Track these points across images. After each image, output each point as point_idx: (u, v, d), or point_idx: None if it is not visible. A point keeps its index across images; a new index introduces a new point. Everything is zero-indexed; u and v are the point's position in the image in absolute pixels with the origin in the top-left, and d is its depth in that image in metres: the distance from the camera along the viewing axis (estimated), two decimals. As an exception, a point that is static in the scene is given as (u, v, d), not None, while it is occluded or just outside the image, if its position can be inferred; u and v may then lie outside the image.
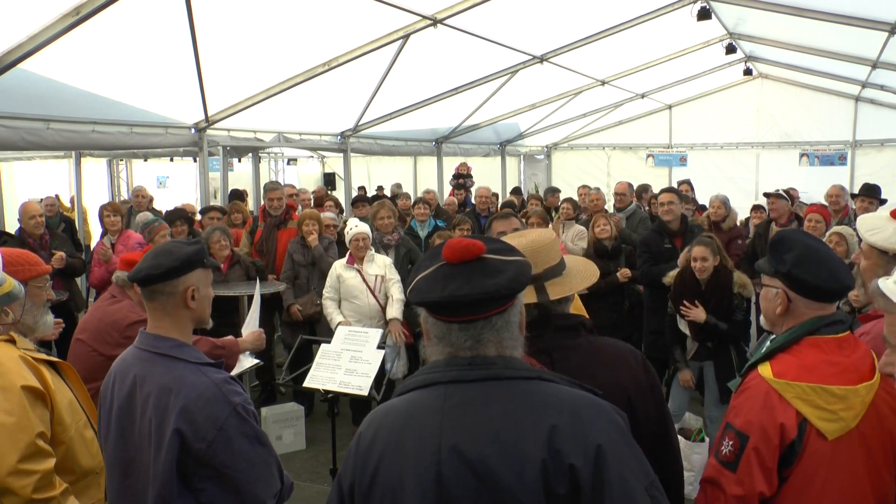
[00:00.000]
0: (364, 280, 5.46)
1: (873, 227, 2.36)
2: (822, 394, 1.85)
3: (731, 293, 4.74)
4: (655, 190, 10.26)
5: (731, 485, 1.87)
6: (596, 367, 1.85)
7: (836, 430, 1.86)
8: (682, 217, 6.00)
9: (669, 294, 5.00)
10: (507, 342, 1.47)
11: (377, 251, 6.09)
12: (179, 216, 6.35)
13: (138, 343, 2.20)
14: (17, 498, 2.22)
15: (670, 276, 5.07)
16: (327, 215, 7.05)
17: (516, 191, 12.36)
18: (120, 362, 2.22)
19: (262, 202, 7.17)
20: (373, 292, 5.47)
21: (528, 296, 1.87)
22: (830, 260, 1.98)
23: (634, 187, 8.94)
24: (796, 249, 1.96)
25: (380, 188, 14.33)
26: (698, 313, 4.69)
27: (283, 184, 10.16)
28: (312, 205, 9.56)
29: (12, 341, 2.40)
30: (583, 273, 2.02)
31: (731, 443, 1.90)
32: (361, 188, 15.15)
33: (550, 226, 7.92)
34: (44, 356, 2.47)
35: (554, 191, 10.94)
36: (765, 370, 1.93)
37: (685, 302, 4.74)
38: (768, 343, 4.27)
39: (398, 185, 13.22)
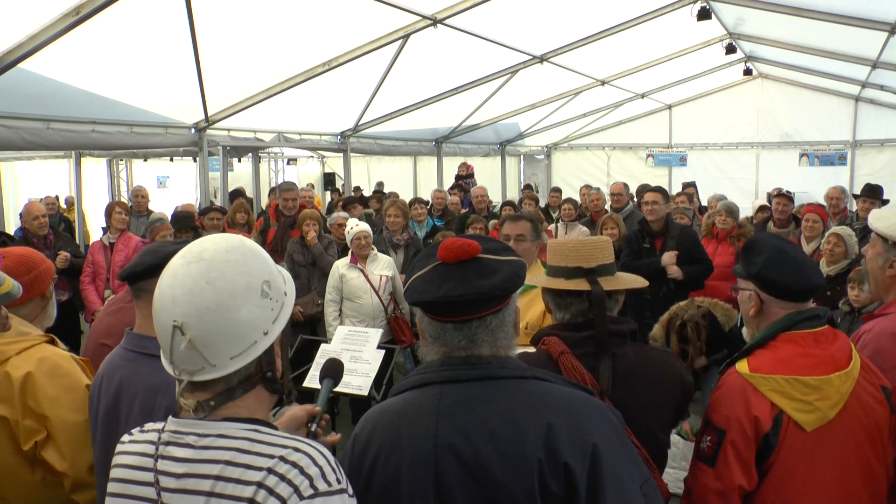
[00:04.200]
0: (368, 280, 5.46)
1: (881, 216, 2.44)
2: (797, 385, 1.87)
3: (723, 334, 4.67)
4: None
5: (710, 479, 1.90)
6: (639, 383, 1.83)
7: (814, 421, 1.87)
8: (667, 219, 5.88)
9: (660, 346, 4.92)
10: (501, 342, 1.48)
11: (386, 251, 6.07)
12: (186, 225, 6.34)
13: (125, 343, 2.19)
14: (92, 492, 2.27)
15: (657, 337, 4.89)
16: (341, 214, 7.04)
17: (528, 187, 12.37)
18: (108, 363, 2.20)
19: (275, 201, 7.20)
20: (377, 292, 5.46)
21: (581, 285, 1.89)
22: (799, 261, 2.03)
23: (630, 188, 8.92)
24: (766, 252, 2.02)
25: (380, 184, 14.25)
26: (700, 362, 4.65)
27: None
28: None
29: (52, 342, 2.42)
30: (633, 278, 2.05)
31: (709, 438, 1.94)
32: (356, 188, 15.14)
33: (549, 226, 7.94)
34: (73, 355, 2.49)
35: (557, 190, 10.98)
36: (741, 366, 1.96)
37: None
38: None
39: (357, 189, 13.30)
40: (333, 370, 1.89)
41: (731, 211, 6.45)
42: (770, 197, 9.34)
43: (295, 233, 6.64)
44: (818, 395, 1.87)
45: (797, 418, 1.86)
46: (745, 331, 2.17)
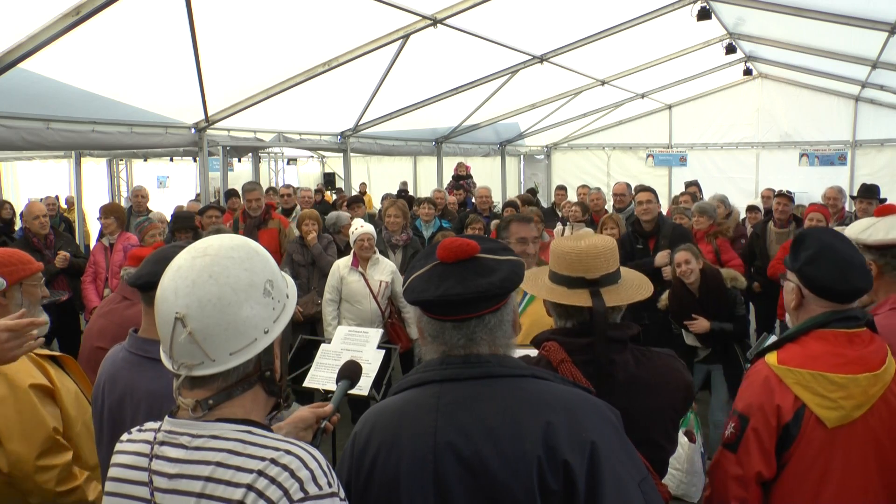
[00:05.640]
0: (367, 284, 5.45)
1: (854, 228, 2.48)
2: (822, 381, 1.88)
3: (725, 290, 4.76)
4: (656, 189, 10.28)
5: (731, 465, 1.94)
6: (640, 389, 1.82)
7: (836, 419, 1.88)
8: (658, 218, 5.88)
9: (670, 315, 5.00)
10: (500, 340, 1.48)
11: (385, 251, 6.07)
12: (185, 225, 6.33)
13: (128, 346, 2.17)
14: (43, 493, 2.27)
15: (663, 301, 5.05)
16: (344, 214, 7.04)
17: (532, 191, 12.36)
18: (109, 365, 2.18)
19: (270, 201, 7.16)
20: (375, 298, 5.45)
21: (582, 300, 1.84)
22: (846, 261, 1.98)
23: (632, 188, 8.92)
24: (812, 248, 2.01)
25: (404, 183, 14.20)
26: (702, 324, 4.69)
27: (280, 184, 10.17)
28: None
29: None
30: (637, 285, 1.96)
31: (733, 425, 1.97)
32: (362, 184, 15.12)
33: (558, 227, 7.94)
34: (46, 352, 2.49)
35: (562, 188, 11.00)
36: (770, 358, 1.99)
37: (685, 321, 4.78)
38: (769, 340, 4.31)
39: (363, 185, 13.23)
40: (352, 371, 1.88)
41: (704, 211, 6.52)
42: (770, 196, 9.31)
43: (261, 233, 6.60)
44: (843, 394, 1.88)
45: (819, 414, 1.88)
46: (787, 319, 2.19)
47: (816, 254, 1.99)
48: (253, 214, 6.72)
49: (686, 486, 4.54)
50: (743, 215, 8.73)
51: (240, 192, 9.56)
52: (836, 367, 1.90)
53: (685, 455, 4.51)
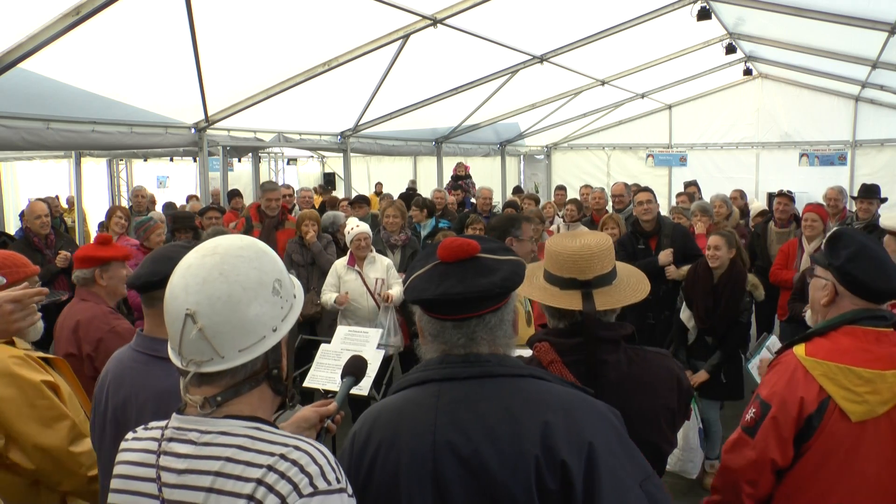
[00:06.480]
0: (364, 283, 5.46)
1: (892, 216, 2.56)
2: (849, 375, 1.91)
3: (743, 291, 4.72)
4: (656, 189, 10.28)
5: (747, 449, 1.98)
6: (632, 390, 1.80)
7: (861, 413, 1.90)
8: (658, 218, 5.89)
9: (682, 286, 5.02)
10: (500, 340, 1.49)
11: (383, 251, 6.07)
12: (185, 225, 6.32)
13: (134, 345, 2.17)
14: (77, 479, 2.29)
15: (682, 271, 5.10)
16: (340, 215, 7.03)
17: (518, 190, 12.36)
18: (115, 364, 2.17)
19: (259, 202, 7.14)
20: (372, 295, 5.46)
21: (574, 302, 1.84)
22: (884, 261, 2.03)
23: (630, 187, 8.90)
24: (853, 246, 2.04)
25: (412, 182, 14.14)
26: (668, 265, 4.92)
27: (279, 184, 10.18)
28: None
29: (11, 343, 2.41)
30: (633, 285, 1.93)
31: (754, 410, 2.02)
32: (378, 184, 15.09)
33: (554, 226, 7.94)
34: (40, 353, 2.49)
35: (561, 188, 11.00)
36: (799, 349, 2.01)
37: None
38: (769, 340, 4.29)
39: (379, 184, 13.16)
40: (357, 368, 1.88)
41: (706, 210, 6.57)
42: (771, 198, 9.33)
43: (279, 234, 6.60)
44: (869, 388, 1.90)
45: (844, 407, 1.90)
46: (807, 316, 2.22)
47: (857, 252, 2.02)
48: (270, 214, 6.71)
49: (683, 463, 4.54)
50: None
51: (241, 192, 9.60)
52: (864, 362, 1.93)
53: (681, 432, 4.51)
